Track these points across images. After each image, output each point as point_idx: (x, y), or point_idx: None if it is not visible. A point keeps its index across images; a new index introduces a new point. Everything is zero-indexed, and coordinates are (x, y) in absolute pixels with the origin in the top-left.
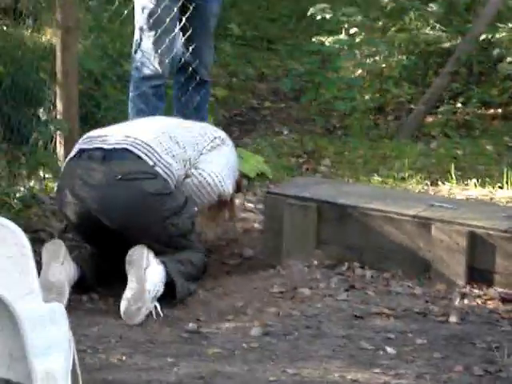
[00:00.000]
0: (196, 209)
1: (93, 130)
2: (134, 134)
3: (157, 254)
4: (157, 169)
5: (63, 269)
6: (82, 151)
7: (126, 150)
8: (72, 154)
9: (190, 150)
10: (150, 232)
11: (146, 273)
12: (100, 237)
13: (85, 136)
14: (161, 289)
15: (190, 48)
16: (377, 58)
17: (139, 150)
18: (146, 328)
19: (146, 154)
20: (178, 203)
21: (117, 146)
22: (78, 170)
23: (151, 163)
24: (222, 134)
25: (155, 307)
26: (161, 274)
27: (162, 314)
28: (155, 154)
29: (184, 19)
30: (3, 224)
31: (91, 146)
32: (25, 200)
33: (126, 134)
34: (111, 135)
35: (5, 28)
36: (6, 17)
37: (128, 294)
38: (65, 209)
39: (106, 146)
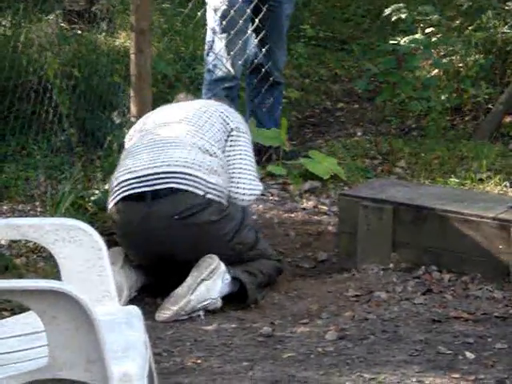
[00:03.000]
0: (254, 217)
1: (119, 172)
2: (169, 167)
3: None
4: (208, 196)
5: (122, 272)
6: (125, 199)
7: (172, 188)
8: (114, 202)
9: (220, 151)
10: (220, 257)
11: (201, 284)
12: (165, 266)
13: (117, 182)
14: (211, 303)
15: (263, 49)
16: (453, 57)
17: (185, 184)
18: (221, 332)
19: (193, 186)
20: (236, 221)
21: (160, 186)
22: (133, 219)
23: (201, 193)
24: (233, 117)
25: (199, 316)
26: (215, 291)
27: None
28: (201, 182)
29: (257, 20)
30: (80, 227)
31: (134, 191)
32: (100, 203)
33: (162, 166)
34: (147, 173)
35: (79, 32)
36: (80, 21)
37: (174, 292)
38: (132, 251)
39: (149, 189)
